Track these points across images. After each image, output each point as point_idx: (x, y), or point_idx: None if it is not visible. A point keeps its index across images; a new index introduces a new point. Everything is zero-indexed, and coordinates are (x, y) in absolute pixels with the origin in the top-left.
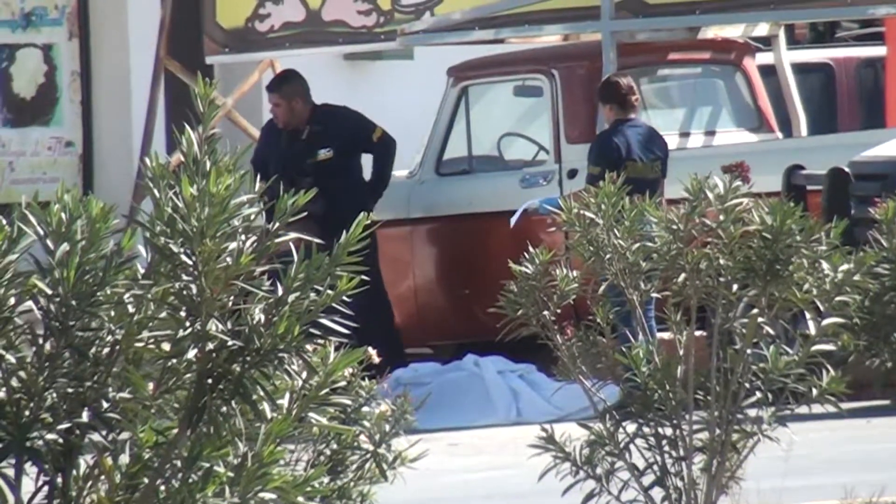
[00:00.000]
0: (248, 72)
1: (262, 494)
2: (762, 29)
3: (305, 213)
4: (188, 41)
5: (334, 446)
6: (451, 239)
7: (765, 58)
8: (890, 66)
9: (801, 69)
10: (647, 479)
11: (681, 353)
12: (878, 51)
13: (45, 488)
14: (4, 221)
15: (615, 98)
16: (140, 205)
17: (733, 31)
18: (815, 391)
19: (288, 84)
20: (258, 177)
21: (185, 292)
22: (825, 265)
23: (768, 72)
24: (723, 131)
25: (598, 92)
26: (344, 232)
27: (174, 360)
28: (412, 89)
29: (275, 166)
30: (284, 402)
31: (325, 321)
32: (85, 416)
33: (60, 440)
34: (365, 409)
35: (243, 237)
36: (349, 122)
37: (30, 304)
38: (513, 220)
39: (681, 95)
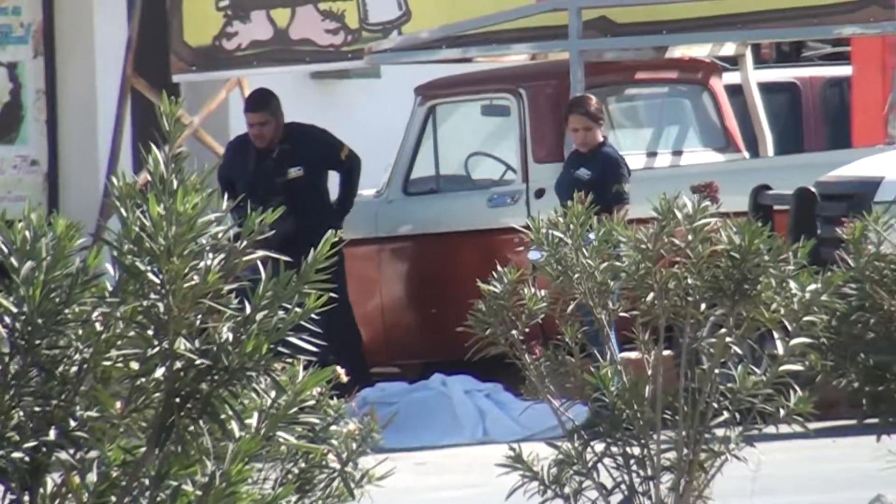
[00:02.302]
0: (216, 90)
1: None
2: (729, 48)
3: (273, 232)
4: (155, 59)
5: (302, 465)
6: (418, 258)
7: (731, 77)
8: (856, 85)
9: (767, 89)
10: (615, 499)
11: (649, 372)
12: (844, 70)
13: None
14: None
15: (602, 119)
16: (107, 223)
17: (700, 50)
18: (782, 411)
19: (273, 100)
20: (225, 195)
21: (152, 310)
22: (793, 285)
23: (735, 91)
24: (690, 151)
25: (590, 111)
26: (313, 250)
27: (142, 379)
28: (379, 108)
29: (243, 185)
30: (253, 420)
31: (293, 339)
32: (52, 435)
33: (27, 458)
34: (333, 427)
35: (211, 255)
36: (318, 142)
37: None
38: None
39: (648, 115)
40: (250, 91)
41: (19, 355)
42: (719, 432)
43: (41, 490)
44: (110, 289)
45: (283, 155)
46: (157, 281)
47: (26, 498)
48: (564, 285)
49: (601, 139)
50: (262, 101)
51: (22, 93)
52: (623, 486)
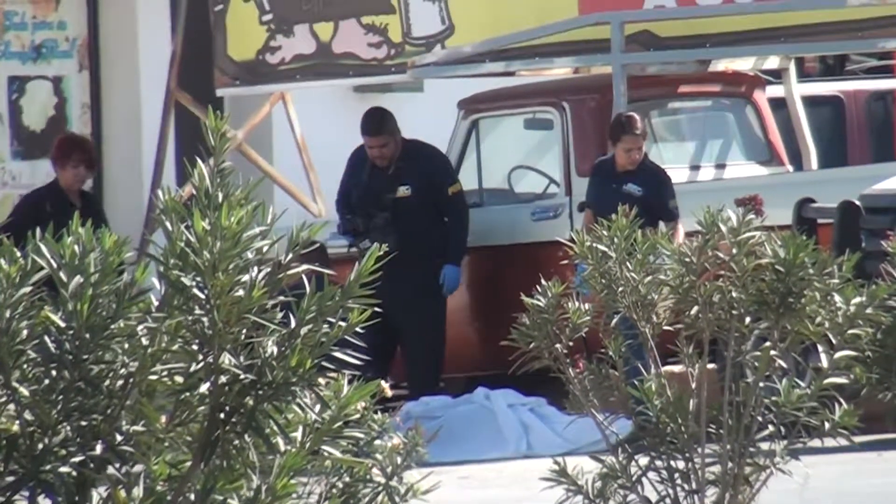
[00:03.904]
0: (259, 104)
1: None
2: (772, 62)
3: (374, 245)
4: (199, 74)
5: (347, 479)
6: (462, 271)
7: (775, 91)
8: None
9: (811, 102)
10: None
11: (693, 386)
12: (888, 83)
13: None
14: (18, 254)
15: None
16: (151, 237)
17: (744, 63)
18: (827, 424)
19: (388, 121)
20: (343, 206)
21: (197, 325)
22: (838, 298)
23: (778, 105)
24: (733, 164)
25: (643, 130)
26: (413, 271)
27: (187, 393)
28: (422, 122)
29: (357, 197)
30: (297, 435)
31: (338, 354)
32: (98, 449)
33: (74, 473)
34: (377, 442)
35: (256, 270)
36: (432, 165)
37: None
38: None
39: (691, 128)
40: (293, 106)
41: (66, 370)
42: (764, 446)
43: None
44: (156, 303)
45: (396, 172)
46: (202, 296)
47: None
48: (608, 299)
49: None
50: (378, 125)
51: (67, 107)
52: (668, 500)
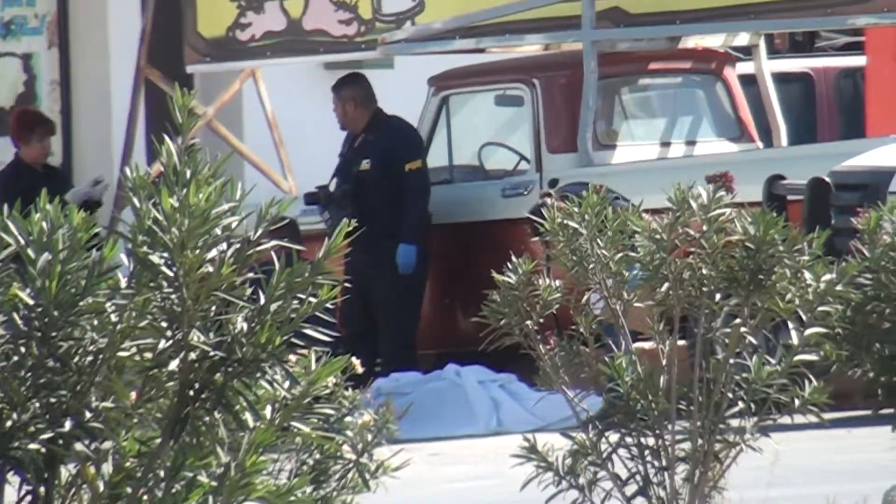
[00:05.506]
0: (229, 81)
1: None
2: (742, 38)
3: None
4: (169, 50)
5: (317, 456)
6: (432, 248)
7: (745, 67)
8: (870, 75)
9: (781, 79)
10: (630, 489)
11: (663, 362)
12: (857, 61)
13: (28, 498)
14: None
15: None
16: (120, 214)
17: (714, 40)
18: (797, 401)
19: (344, 87)
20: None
21: (166, 302)
22: (808, 275)
23: (749, 81)
24: (703, 141)
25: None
26: (371, 247)
27: (156, 370)
28: (393, 99)
29: (335, 169)
30: (267, 411)
31: (308, 330)
32: (67, 426)
33: (43, 449)
34: (348, 418)
35: (224, 246)
36: (394, 140)
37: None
38: None
39: (661, 105)
40: (263, 82)
41: (35, 346)
42: (734, 423)
43: (56, 481)
44: (124, 281)
45: (362, 145)
46: (171, 273)
47: (42, 489)
48: (579, 275)
49: None
50: (336, 84)
51: (36, 84)
52: (638, 477)
